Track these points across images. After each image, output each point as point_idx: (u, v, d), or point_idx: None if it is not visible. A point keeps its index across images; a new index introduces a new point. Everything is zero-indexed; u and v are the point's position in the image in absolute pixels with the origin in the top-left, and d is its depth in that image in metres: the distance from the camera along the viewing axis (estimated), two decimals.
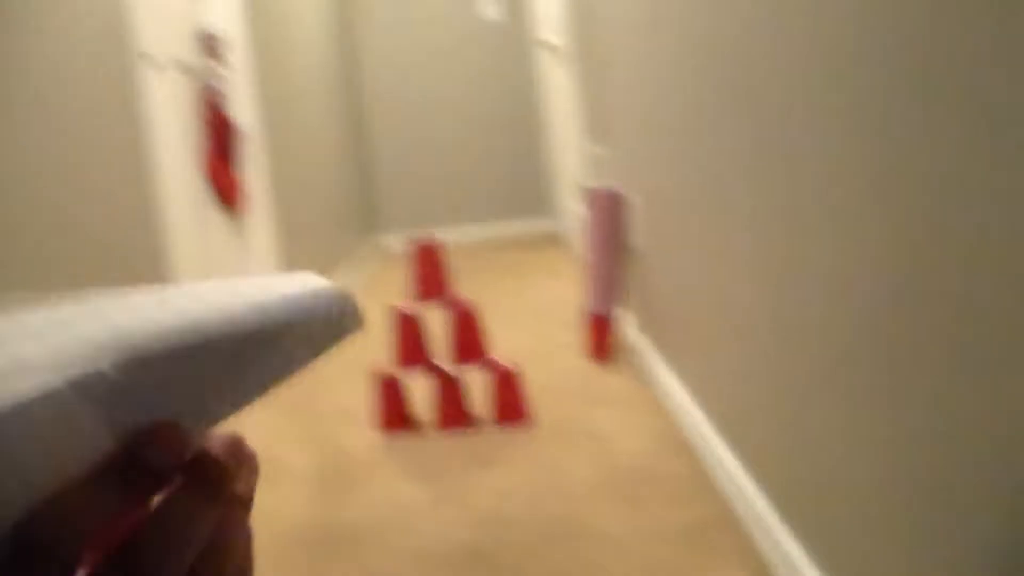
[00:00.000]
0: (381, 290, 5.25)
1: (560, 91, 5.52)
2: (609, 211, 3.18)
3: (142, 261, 2.58)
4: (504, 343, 3.51)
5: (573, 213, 5.51)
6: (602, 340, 3.29)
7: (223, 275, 3.76)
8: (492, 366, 2.71)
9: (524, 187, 7.15)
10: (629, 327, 3.39)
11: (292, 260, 4.31)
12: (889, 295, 1.10)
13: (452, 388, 2.74)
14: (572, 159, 5.28)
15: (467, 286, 5.11)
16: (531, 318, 4.06)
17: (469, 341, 2.72)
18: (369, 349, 3.76)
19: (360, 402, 3.05)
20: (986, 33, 0.85)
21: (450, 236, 7.14)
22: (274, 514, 2.23)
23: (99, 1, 2.50)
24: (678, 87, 2.19)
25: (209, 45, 3.68)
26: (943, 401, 1.00)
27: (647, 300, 3.00)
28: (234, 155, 3.86)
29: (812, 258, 1.38)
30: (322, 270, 5.02)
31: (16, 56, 2.09)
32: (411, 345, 2.75)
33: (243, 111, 3.84)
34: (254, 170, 3.92)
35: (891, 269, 1.08)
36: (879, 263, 1.12)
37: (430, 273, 2.75)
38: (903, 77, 1.01)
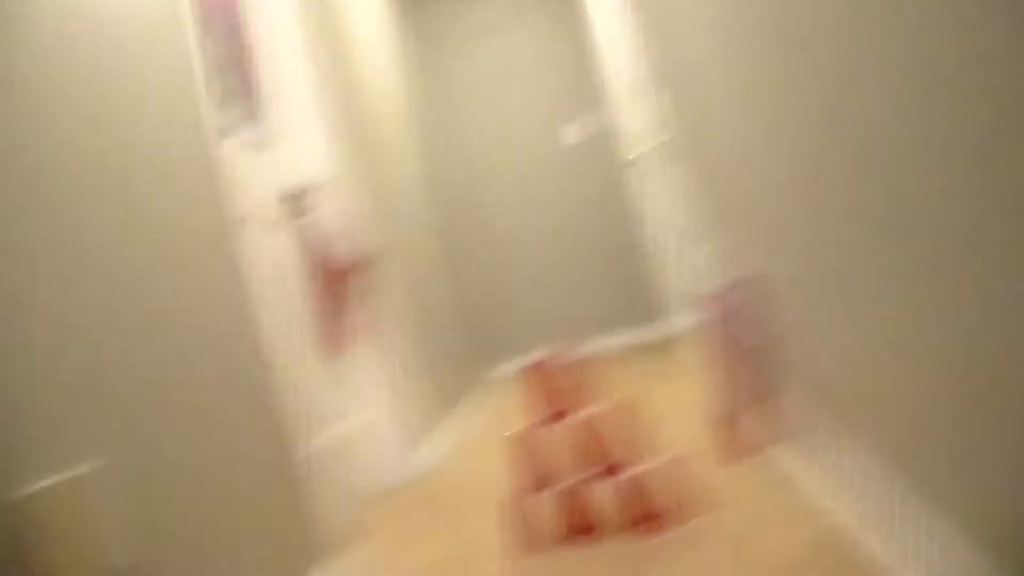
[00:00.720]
0: (507, 410, 5.10)
1: (660, 198, 5.43)
2: (734, 307, 3.01)
3: (250, 407, 2.51)
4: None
5: (683, 317, 5.33)
6: (738, 438, 3.07)
7: (348, 413, 3.68)
8: (627, 474, 2.52)
9: (633, 297, 7.02)
10: (782, 415, 3.16)
11: (419, 394, 4.22)
12: None
13: (581, 503, 2.55)
14: (680, 264, 5.14)
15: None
16: (658, 426, 3.85)
17: (600, 452, 2.55)
18: (495, 473, 3.61)
19: (495, 528, 2.88)
20: None
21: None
22: None
23: (196, 174, 2.51)
24: (804, 162, 2.06)
25: (301, 199, 3.72)
26: None
27: (797, 386, 2.78)
28: (350, 299, 3.82)
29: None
30: (449, 402, 4.92)
31: (124, 230, 2.10)
32: (538, 468, 2.60)
33: (356, 252, 3.83)
34: (377, 308, 3.88)
35: None
36: None
37: (556, 388, 2.61)
38: None
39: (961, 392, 1.44)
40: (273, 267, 3.37)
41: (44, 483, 1.62)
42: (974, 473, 1.45)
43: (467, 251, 7.06)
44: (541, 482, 2.58)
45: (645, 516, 2.49)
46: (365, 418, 3.85)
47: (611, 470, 2.52)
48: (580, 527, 2.53)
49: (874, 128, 1.53)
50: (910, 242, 1.52)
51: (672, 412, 4.15)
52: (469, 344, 6.35)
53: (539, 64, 7.08)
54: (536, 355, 2.67)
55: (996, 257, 1.20)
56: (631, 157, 5.69)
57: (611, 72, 6.21)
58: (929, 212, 1.41)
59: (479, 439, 4.57)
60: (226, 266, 2.58)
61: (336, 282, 3.75)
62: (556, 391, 2.60)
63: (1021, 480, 1.26)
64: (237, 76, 3.54)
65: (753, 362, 3.03)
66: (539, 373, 2.61)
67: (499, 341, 7.08)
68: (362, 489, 3.85)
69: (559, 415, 2.60)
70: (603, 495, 2.63)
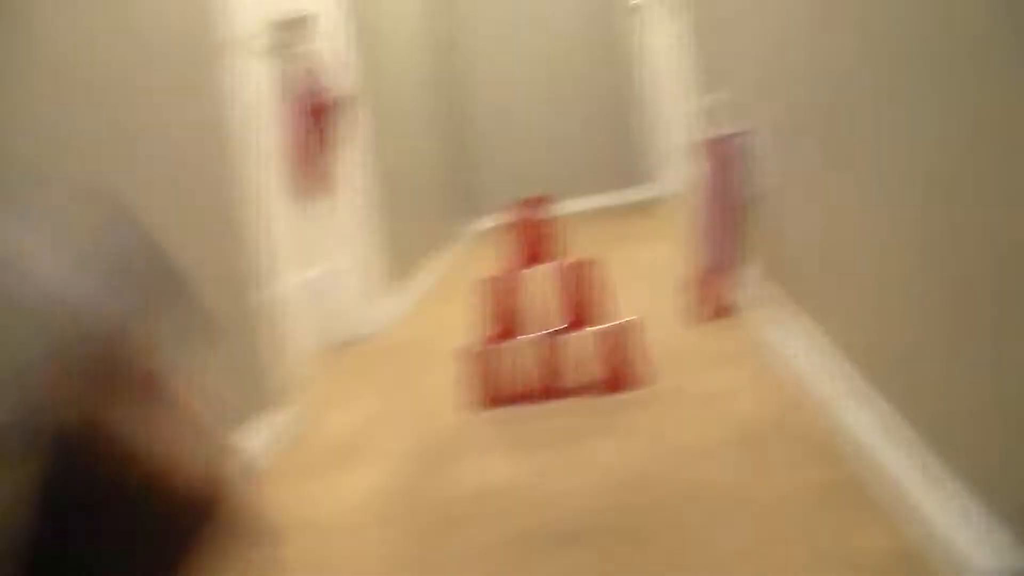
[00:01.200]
0: (478, 266, 5.02)
1: (658, 52, 5.20)
2: (729, 160, 2.87)
3: (226, 242, 2.38)
4: (614, 311, 3.23)
5: (677, 175, 5.20)
6: (719, 299, 2.99)
7: (314, 260, 3.58)
8: (603, 329, 2.44)
9: (622, 157, 6.86)
10: (750, 282, 3.08)
11: (389, 245, 4.11)
12: None
13: (556, 356, 2.47)
14: (673, 121, 4.97)
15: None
16: (638, 284, 3.77)
17: (580, 303, 2.45)
18: (470, 325, 3.54)
19: (464, 379, 2.81)
20: None
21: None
22: (372, 498, 2.00)
23: None
24: (807, 15, 1.89)
25: (295, 27, 3.50)
26: None
27: (769, 250, 2.68)
28: (329, 138, 3.66)
29: (982, 170, 1.07)
30: (420, 254, 4.82)
31: (101, 41, 1.93)
32: (509, 312, 2.50)
33: (338, 90, 3.63)
34: (353, 152, 3.72)
35: None
36: None
37: (533, 236, 2.50)
38: None
39: (914, 294, 1.33)
40: (256, 97, 3.20)
41: None
42: (919, 370, 1.37)
43: (457, 101, 6.84)
44: (509, 331, 2.49)
45: (614, 372, 2.42)
46: (333, 266, 3.75)
47: (581, 324, 2.44)
48: (546, 380, 2.46)
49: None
50: (880, 136, 1.38)
51: (650, 272, 4.07)
52: (452, 197, 6.20)
53: None
54: (517, 202, 2.54)
55: (966, 160, 1.07)
56: (634, 2, 5.43)
57: None
58: (913, 98, 1.27)
59: (449, 292, 4.50)
60: (208, 89, 2.42)
61: (317, 120, 3.58)
62: (532, 238, 2.49)
63: (957, 374, 1.17)
64: None
65: (735, 221, 2.92)
66: (517, 218, 2.49)
67: (483, 195, 6.94)
68: (326, 338, 3.78)
69: (532, 261, 2.49)
70: (572, 349, 2.55)
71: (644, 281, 3.84)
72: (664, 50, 4.97)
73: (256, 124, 3.17)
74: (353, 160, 3.72)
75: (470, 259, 5.47)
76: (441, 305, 4.19)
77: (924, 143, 1.41)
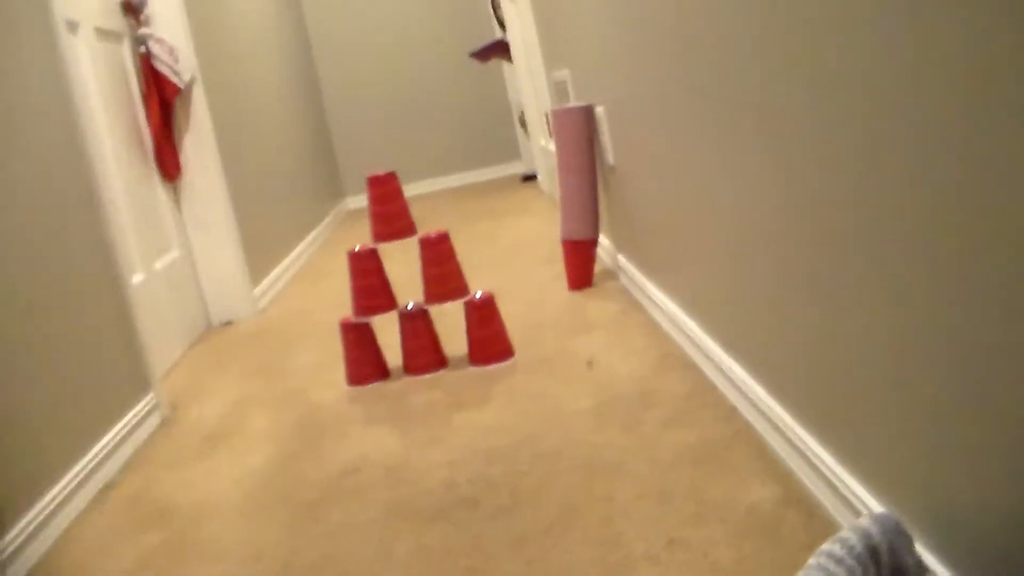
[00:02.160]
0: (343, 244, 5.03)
1: (516, 29, 5.29)
2: (576, 130, 2.98)
3: (81, 230, 2.36)
4: (481, 283, 3.32)
5: (541, 149, 5.31)
6: (582, 267, 3.10)
7: (170, 244, 3.54)
8: (467, 301, 2.51)
9: (490, 135, 6.94)
10: (610, 248, 3.20)
11: (254, 229, 4.09)
12: (872, 185, 0.92)
13: (422, 329, 2.54)
14: (534, 97, 5.06)
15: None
16: (507, 257, 3.87)
17: (442, 276, 2.52)
18: (337, 305, 3.58)
19: (332, 358, 2.85)
20: None
21: (419, 189, 6.93)
22: (244, 481, 2.04)
23: None
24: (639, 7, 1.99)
25: (134, 8, 3.45)
26: (943, 287, 0.82)
27: (625, 219, 2.81)
28: (173, 121, 3.63)
29: (791, 154, 1.19)
30: (286, 237, 4.81)
31: None
32: (372, 288, 2.55)
33: (183, 74, 3.59)
34: (199, 135, 3.68)
35: (875, 161, 0.90)
36: (863, 156, 0.93)
37: (390, 207, 2.54)
38: None
39: (748, 268, 1.45)
40: (108, 80, 3.14)
41: None
42: (756, 334, 1.49)
43: (318, 85, 6.79)
44: (374, 307, 2.54)
45: (482, 344, 2.50)
46: (205, 248, 3.72)
47: (446, 297, 2.51)
48: (425, 358, 2.52)
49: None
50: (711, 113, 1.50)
51: (518, 245, 4.17)
52: (318, 179, 6.17)
53: None
54: (367, 180, 2.58)
55: (795, 105, 1.18)
56: None
57: None
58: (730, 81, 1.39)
59: (316, 273, 4.51)
60: (54, 74, 2.38)
61: (164, 105, 3.54)
62: (388, 213, 2.53)
63: (786, 333, 1.30)
64: None
65: (590, 192, 3.03)
66: (382, 185, 2.52)
67: (349, 176, 6.93)
68: (193, 323, 3.76)
69: (391, 236, 2.53)
70: (439, 322, 2.63)
71: (512, 253, 3.93)
72: (518, 28, 5.05)
73: (111, 109, 3.12)
74: (207, 145, 3.69)
75: (337, 239, 5.48)
76: (308, 285, 4.21)
77: (757, 122, 1.52)
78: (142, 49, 3.46)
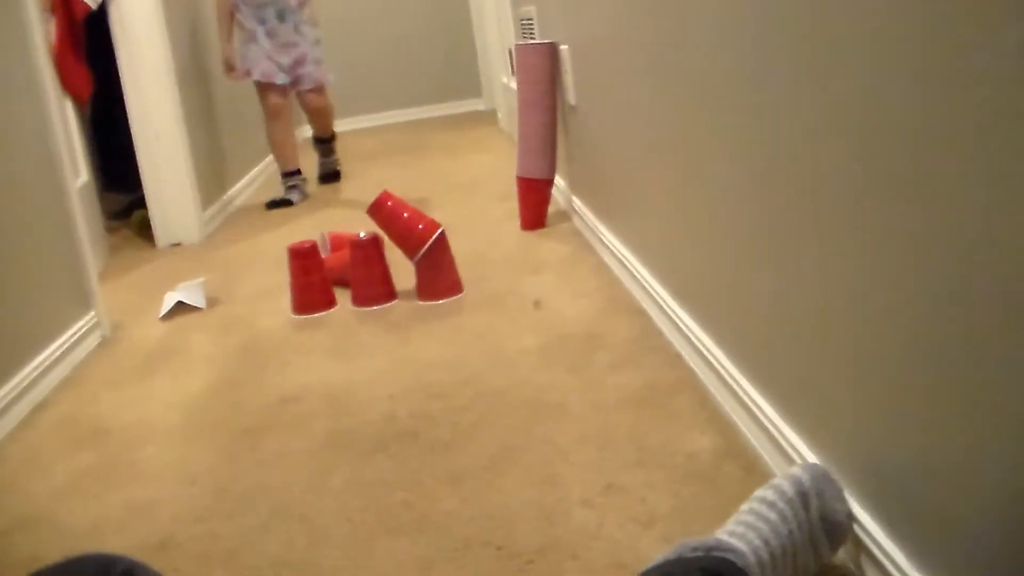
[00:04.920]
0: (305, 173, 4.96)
1: None
2: (539, 67, 2.93)
3: (27, 135, 2.28)
4: (437, 218, 3.28)
5: (503, 87, 5.24)
6: (536, 207, 3.07)
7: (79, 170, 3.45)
8: (419, 233, 2.48)
9: (452, 70, 6.85)
10: (565, 190, 3.18)
11: (200, 153, 3.99)
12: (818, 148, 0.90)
13: (373, 259, 2.50)
14: (499, 33, 4.98)
15: (396, 165, 4.86)
16: (461, 193, 3.83)
17: (370, 278, 2.49)
18: (293, 234, 3.52)
19: (278, 286, 2.81)
20: None
21: (379, 122, 6.83)
22: (185, 403, 2.01)
23: None
24: None
25: None
26: (868, 236, 0.80)
27: (582, 161, 2.78)
28: (82, 42, 3.49)
29: (751, 109, 1.16)
30: (235, 165, 4.71)
31: None
32: (312, 285, 2.51)
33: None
34: (154, 49, 3.56)
35: (832, 123, 0.88)
36: (822, 115, 0.91)
37: (312, 278, 2.47)
38: None
39: (705, 222, 1.44)
40: None
41: None
42: (710, 289, 1.48)
43: None
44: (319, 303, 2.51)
45: (432, 278, 2.47)
46: (154, 167, 3.64)
47: (378, 300, 2.47)
48: (374, 290, 2.49)
49: None
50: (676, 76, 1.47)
51: (474, 182, 4.12)
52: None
53: None
54: (300, 244, 2.49)
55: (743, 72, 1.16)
56: None
57: None
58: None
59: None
60: None
61: (81, 22, 3.41)
62: (320, 282, 2.48)
63: (741, 291, 1.29)
64: None
65: (549, 132, 3.00)
66: (301, 261, 2.47)
67: None
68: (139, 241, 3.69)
69: (321, 306, 2.49)
70: (390, 256, 2.59)
71: (467, 190, 3.89)
72: None
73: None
74: (161, 60, 3.58)
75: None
76: (257, 214, 4.14)
77: (720, 74, 1.49)
78: None
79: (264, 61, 4.20)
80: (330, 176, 4.78)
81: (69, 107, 3.39)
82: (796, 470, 1.10)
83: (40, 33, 2.45)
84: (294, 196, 4.28)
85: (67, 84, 3.36)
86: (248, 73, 4.19)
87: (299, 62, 4.29)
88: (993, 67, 0.72)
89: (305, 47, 4.29)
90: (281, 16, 4.20)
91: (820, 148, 1.06)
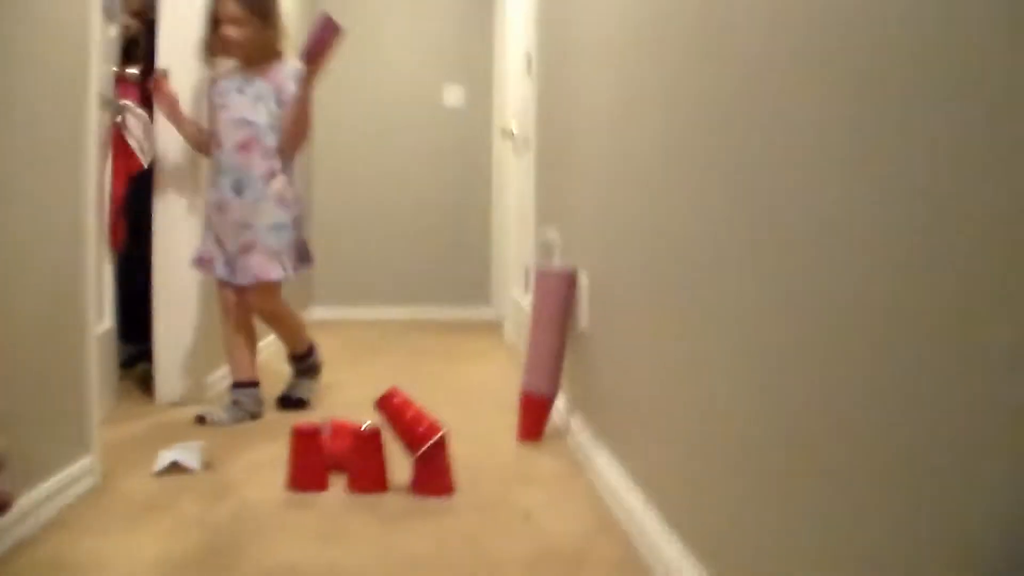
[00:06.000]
0: None
1: (513, 179, 5.47)
2: (556, 292, 3.08)
3: (61, 276, 2.39)
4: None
5: (513, 301, 5.41)
6: (537, 422, 3.15)
7: (104, 314, 3.54)
8: (420, 432, 2.54)
9: (465, 274, 7.06)
10: (565, 409, 3.25)
11: (211, 318, 4.10)
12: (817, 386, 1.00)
13: (373, 452, 2.56)
14: (517, 248, 5.20)
15: (400, 360, 4.95)
16: (462, 398, 3.91)
17: (367, 469, 2.56)
18: (297, 414, 3.58)
19: (273, 458, 2.84)
20: None
21: (384, 315, 6.98)
22: (170, 565, 2.01)
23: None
24: (635, 179, 2.12)
25: (162, 81, 3.53)
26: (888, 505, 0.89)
27: (585, 383, 2.88)
28: (129, 196, 3.66)
29: (763, 354, 1.28)
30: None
31: None
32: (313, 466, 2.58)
33: (147, 154, 3.64)
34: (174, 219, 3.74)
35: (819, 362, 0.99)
36: (831, 359, 1.02)
37: (312, 459, 2.58)
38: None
39: (697, 446, 1.53)
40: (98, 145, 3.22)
41: None
42: (703, 504, 1.55)
43: (317, 190, 6.92)
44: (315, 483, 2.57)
45: (427, 476, 2.52)
46: (166, 326, 3.74)
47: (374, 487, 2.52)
48: (368, 477, 2.53)
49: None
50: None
51: (477, 390, 4.21)
52: (295, 281, 6.22)
53: (431, 22, 7.02)
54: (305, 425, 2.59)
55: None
56: (505, 128, 5.70)
57: (503, 43, 6.20)
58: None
59: (280, 372, 4.51)
60: (76, 137, 2.45)
61: (130, 178, 3.58)
62: (319, 463, 2.58)
63: (743, 520, 1.35)
64: None
65: (558, 351, 3.11)
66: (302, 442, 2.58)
67: (321, 286, 6.99)
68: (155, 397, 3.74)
69: (317, 486, 2.58)
70: (389, 447, 2.64)
71: (468, 398, 3.97)
72: (516, 180, 5.23)
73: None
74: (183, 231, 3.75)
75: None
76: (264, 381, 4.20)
77: (729, 319, 1.60)
78: (118, 118, 3.51)
79: (208, 242, 3.49)
80: (289, 401, 3.71)
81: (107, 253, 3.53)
82: None
83: (94, 185, 2.61)
84: (224, 414, 3.42)
85: (112, 233, 3.52)
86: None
87: (244, 250, 3.40)
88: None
89: (258, 232, 3.39)
90: (238, 188, 3.38)
91: (844, 395, 1.14)
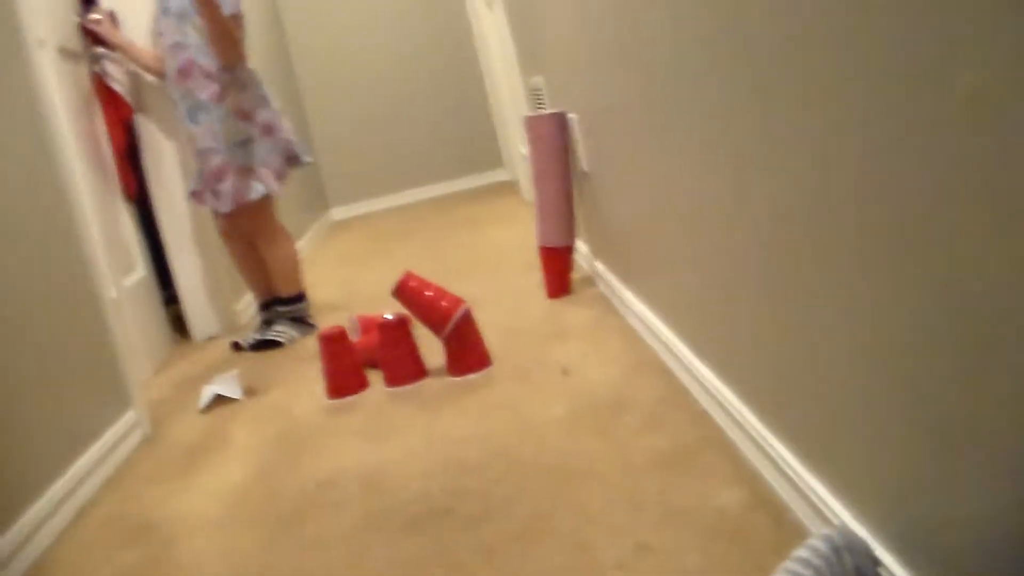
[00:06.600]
0: (328, 256, 5.06)
1: (491, 34, 5.31)
2: (549, 136, 2.99)
3: (60, 246, 2.36)
4: (463, 292, 3.33)
5: (523, 157, 5.32)
6: (560, 274, 3.12)
7: (134, 264, 3.54)
8: (446, 311, 2.52)
9: (472, 141, 6.95)
10: (586, 256, 3.22)
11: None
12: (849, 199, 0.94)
13: (402, 340, 2.55)
14: (512, 104, 5.08)
15: (421, 243, 4.93)
16: (487, 266, 3.88)
17: (398, 358, 2.54)
18: (324, 320, 3.59)
19: (314, 372, 2.86)
20: None
21: (403, 200, 6.94)
22: (224, 495, 2.05)
23: None
24: (611, 10, 2.01)
25: (97, 27, 3.42)
26: (913, 295, 0.84)
27: (601, 226, 2.82)
28: (131, 141, 3.60)
29: (758, 164, 1.21)
30: None
31: None
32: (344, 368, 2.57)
33: (149, 91, 3.58)
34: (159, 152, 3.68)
35: (843, 172, 0.92)
36: (830, 167, 0.95)
37: (344, 361, 2.55)
38: None
39: (726, 275, 1.47)
40: (74, 99, 3.14)
41: None
42: (733, 342, 1.51)
43: (309, 95, 6.80)
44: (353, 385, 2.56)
45: (460, 355, 2.51)
46: (185, 264, 3.73)
47: (409, 379, 2.51)
48: (404, 369, 2.53)
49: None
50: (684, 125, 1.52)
51: (499, 253, 4.18)
52: (302, 191, 6.18)
53: None
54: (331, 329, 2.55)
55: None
56: None
57: None
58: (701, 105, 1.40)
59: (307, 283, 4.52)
60: (28, 93, 2.39)
61: (124, 122, 3.52)
62: (352, 365, 2.54)
63: (762, 343, 1.32)
64: None
65: (565, 199, 3.05)
66: (331, 345, 2.53)
67: (335, 186, 6.93)
68: (166, 340, 3.77)
69: (351, 389, 2.55)
70: (417, 334, 2.64)
71: (494, 263, 3.95)
72: (496, 36, 5.08)
73: (78, 127, 3.12)
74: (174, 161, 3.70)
75: (323, 251, 5.48)
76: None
77: (734, 129, 1.54)
78: (96, 68, 3.43)
79: (197, 175, 3.35)
80: (257, 343, 3.38)
81: (123, 203, 3.50)
82: (826, 530, 1.13)
83: (71, 137, 2.55)
84: (292, 331, 3.42)
85: (122, 182, 3.48)
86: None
87: (216, 176, 3.22)
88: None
89: (225, 154, 3.20)
90: (193, 115, 3.21)
91: (840, 201, 1.09)
